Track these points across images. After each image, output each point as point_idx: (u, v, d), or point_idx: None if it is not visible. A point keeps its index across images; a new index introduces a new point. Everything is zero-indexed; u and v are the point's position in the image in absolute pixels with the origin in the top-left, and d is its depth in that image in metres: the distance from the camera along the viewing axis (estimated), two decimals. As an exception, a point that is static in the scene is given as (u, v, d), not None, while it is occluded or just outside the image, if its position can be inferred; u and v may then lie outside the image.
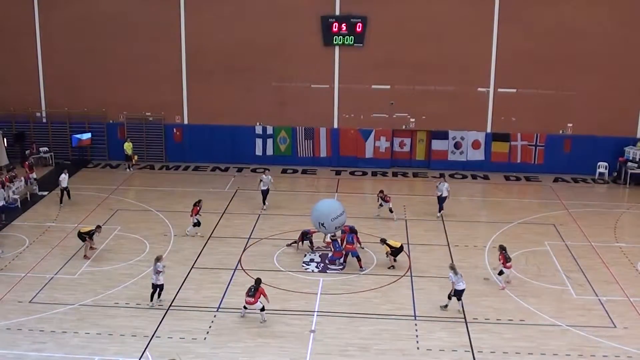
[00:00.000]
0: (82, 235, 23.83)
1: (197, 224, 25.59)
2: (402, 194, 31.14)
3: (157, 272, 20.32)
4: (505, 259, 21.72)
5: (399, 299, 21.10)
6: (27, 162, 31.61)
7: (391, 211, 27.54)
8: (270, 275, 22.47)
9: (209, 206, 28.65)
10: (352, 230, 23.94)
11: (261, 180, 28.67)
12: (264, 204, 28.71)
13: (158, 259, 20.54)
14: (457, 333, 19.15)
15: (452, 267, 20.43)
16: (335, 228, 24.31)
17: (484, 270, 23.11)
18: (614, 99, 33.30)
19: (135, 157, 34.56)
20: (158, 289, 20.48)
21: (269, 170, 31.31)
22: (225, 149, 35.27)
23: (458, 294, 20.11)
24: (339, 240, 23.64)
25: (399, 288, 21.77)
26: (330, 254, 23.68)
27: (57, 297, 20.94)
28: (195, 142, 35.49)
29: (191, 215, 25.70)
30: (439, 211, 28.10)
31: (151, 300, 20.46)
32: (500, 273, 21.90)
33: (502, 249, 22.00)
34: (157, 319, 19.65)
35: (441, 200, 28.06)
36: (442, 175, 29.33)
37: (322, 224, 24.35)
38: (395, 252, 23.13)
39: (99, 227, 24.00)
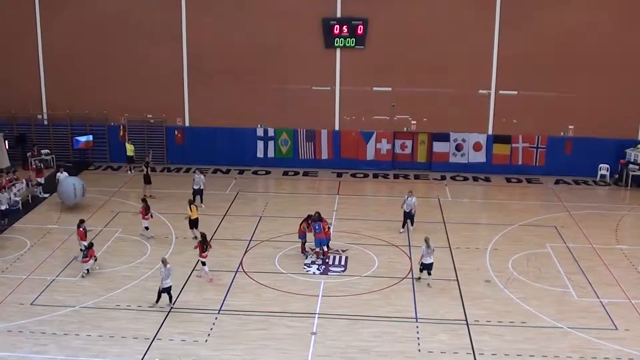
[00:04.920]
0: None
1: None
2: (404, 196, 31.03)
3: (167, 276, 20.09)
4: (202, 249, 21.96)
5: (400, 301, 21.08)
6: (33, 166, 31.71)
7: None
8: (271, 277, 22.52)
9: (211, 208, 28.67)
10: (319, 218, 23.97)
11: (194, 180, 29.20)
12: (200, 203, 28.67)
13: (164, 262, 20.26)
14: (458, 335, 19.13)
15: (426, 240, 21.75)
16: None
17: (485, 272, 23.10)
18: (615, 100, 33.28)
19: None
20: (166, 292, 20.18)
21: (199, 170, 31.02)
22: (226, 151, 35.27)
23: (427, 267, 21.68)
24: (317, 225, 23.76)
25: (400, 290, 21.75)
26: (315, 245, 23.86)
27: (58, 300, 20.95)
28: (197, 144, 35.47)
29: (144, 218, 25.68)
30: (403, 226, 26.51)
31: (156, 302, 20.27)
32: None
33: (203, 236, 22.38)
34: (159, 321, 19.64)
35: (408, 215, 26.49)
36: (410, 192, 27.40)
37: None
38: (192, 222, 24.53)
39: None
